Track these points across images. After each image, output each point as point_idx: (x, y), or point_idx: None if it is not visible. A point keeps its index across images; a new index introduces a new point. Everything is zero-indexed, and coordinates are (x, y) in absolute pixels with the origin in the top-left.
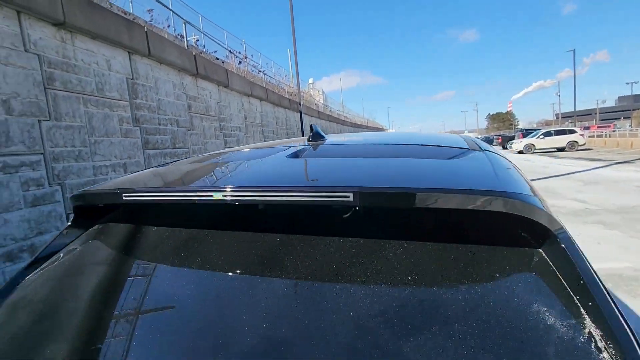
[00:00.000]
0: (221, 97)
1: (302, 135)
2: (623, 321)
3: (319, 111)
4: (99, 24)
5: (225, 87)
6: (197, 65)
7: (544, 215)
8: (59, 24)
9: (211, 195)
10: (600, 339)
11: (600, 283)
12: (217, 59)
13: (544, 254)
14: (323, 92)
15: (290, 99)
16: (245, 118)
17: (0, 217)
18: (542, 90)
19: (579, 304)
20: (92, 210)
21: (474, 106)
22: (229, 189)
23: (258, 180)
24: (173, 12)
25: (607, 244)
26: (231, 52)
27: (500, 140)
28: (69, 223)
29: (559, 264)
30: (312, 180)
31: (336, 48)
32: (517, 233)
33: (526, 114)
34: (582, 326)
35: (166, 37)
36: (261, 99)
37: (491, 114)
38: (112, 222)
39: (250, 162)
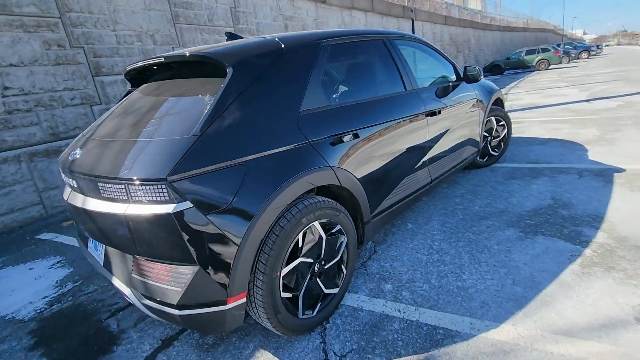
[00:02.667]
0: (318, 13)
1: None
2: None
3: (445, 16)
4: None
5: (322, 2)
6: None
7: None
8: None
9: None
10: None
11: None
12: None
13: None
14: None
15: (404, 6)
16: None
17: None
18: None
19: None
20: None
21: None
22: None
23: None
24: None
25: None
26: None
27: None
28: None
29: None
30: None
31: None
32: None
33: None
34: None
35: None
36: (365, 10)
37: None
38: None
39: None
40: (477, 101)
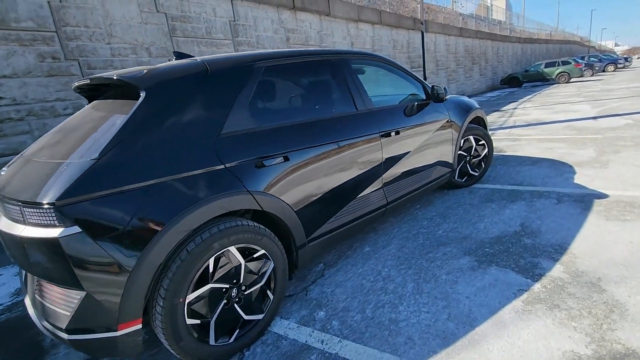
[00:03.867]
0: (322, 26)
1: (423, 59)
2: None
3: (460, 28)
4: None
5: (326, 15)
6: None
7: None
8: None
9: None
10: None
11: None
12: None
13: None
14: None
15: (415, 18)
16: (352, 44)
17: None
18: None
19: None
20: None
21: None
22: None
23: None
24: None
25: None
26: None
27: None
28: None
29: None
30: None
31: None
32: None
33: None
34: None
35: None
36: (373, 23)
37: None
38: None
39: None
40: (448, 121)
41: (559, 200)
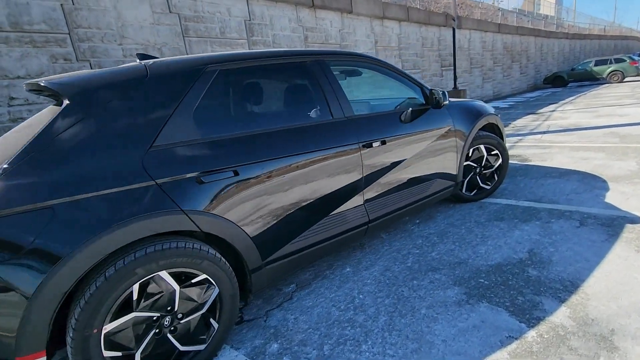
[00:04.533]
0: (344, 24)
1: (454, 57)
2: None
3: (499, 24)
4: None
5: (348, 13)
6: None
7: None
8: None
9: None
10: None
11: None
12: None
13: None
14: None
15: (447, 14)
16: (376, 42)
17: None
18: None
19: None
20: None
21: None
22: None
23: None
24: None
25: None
26: None
27: None
28: None
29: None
30: None
31: None
32: None
33: None
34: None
35: None
36: (400, 20)
37: None
38: None
39: None
40: (450, 129)
41: (581, 223)
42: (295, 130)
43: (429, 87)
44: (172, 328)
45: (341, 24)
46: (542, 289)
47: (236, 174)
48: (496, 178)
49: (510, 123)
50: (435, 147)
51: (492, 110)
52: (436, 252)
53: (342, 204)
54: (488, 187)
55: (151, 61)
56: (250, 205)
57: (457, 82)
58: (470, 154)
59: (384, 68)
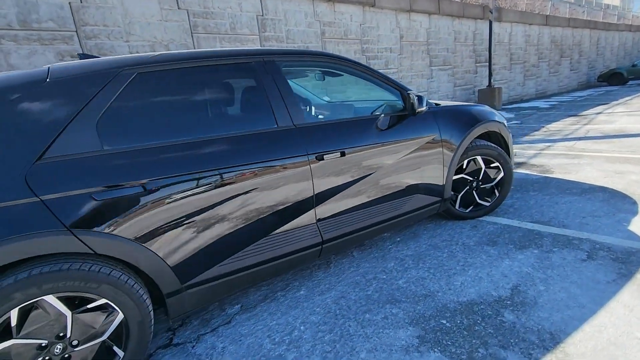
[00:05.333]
0: (366, 18)
1: (489, 53)
2: None
3: (546, 15)
4: None
5: (371, 6)
6: None
7: None
8: None
9: None
10: None
11: None
12: None
13: None
14: None
15: (485, 6)
16: (401, 37)
17: None
18: None
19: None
20: None
21: None
22: None
23: None
24: None
25: None
26: None
27: None
28: None
29: None
30: None
31: None
32: None
33: None
34: None
35: None
36: (429, 13)
37: None
38: None
39: None
40: (435, 138)
41: (589, 255)
42: (226, 140)
43: (409, 90)
44: (66, 356)
45: (362, 18)
46: (512, 341)
47: (145, 189)
48: (497, 194)
49: (543, 127)
50: (414, 158)
51: (495, 117)
52: (405, 279)
53: (287, 223)
54: (487, 204)
55: (60, 64)
56: (162, 224)
57: (492, 80)
58: (465, 166)
59: (352, 68)
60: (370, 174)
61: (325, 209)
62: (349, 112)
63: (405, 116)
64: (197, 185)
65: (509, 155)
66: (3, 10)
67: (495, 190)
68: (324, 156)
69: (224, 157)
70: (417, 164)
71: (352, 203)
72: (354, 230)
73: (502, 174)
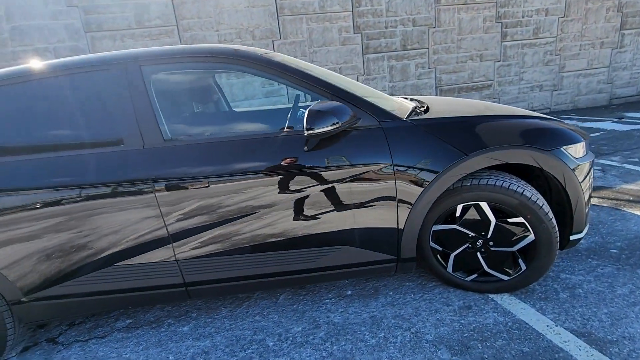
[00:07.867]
0: None
1: None
2: None
3: None
4: None
5: None
6: None
7: None
8: None
9: None
10: None
11: None
12: None
13: None
14: None
15: None
16: None
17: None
18: None
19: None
20: None
21: None
22: None
23: None
24: None
25: None
26: None
27: None
28: None
29: None
30: None
31: None
32: None
33: None
34: None
35: None
36: None
37: None
38: None
39: None
40: (383, 168)
41: None
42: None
43: (340, 92)
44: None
45: None
46: None
47: None
48: (522, 266)
49: None
50: (343, 195)
51: (546, 142)
52: (287, 358)
53: (134, 256)
54: (505, 278)
55: None
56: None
57: None
58: (458, 213)
59: (256, 69)
60: (259, 212)
61: (187, 248)
62: (253, 126)
63: (328, 133)
64: (20, 204)
65: (573, 213)
66: (125, 14)
67: (520, 260)
68: (180, 184)
69: (48, 177)
70: (347, 201)
71: (228, 245)
72: (230, 277)
73: (531, 237)
